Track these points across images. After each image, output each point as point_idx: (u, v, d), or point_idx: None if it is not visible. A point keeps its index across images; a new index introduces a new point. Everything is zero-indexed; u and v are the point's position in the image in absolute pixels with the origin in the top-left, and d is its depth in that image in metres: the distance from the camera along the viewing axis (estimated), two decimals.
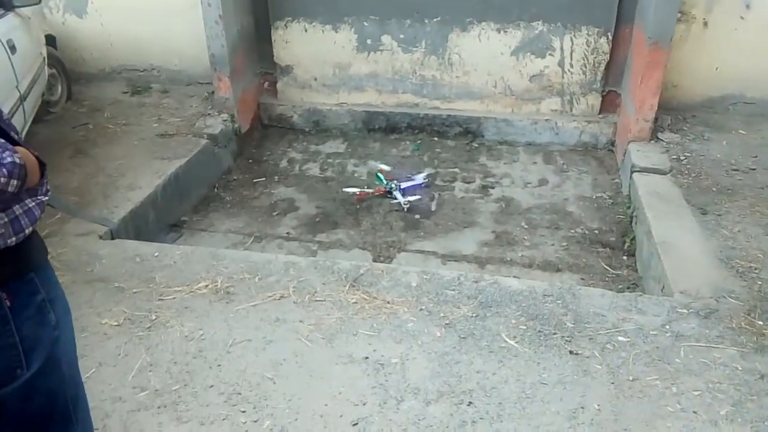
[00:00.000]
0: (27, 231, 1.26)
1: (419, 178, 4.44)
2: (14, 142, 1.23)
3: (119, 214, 3.56)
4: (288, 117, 5.35)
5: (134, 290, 2.86)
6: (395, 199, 4.21)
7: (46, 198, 1.32)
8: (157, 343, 2.55)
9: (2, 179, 1.12)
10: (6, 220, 1.21)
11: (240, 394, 2.30)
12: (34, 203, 1.28)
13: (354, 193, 4.31)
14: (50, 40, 5.00)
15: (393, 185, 4.28)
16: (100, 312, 2.70)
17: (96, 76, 5.69)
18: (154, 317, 2.68)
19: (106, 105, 5.14)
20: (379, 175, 4.45)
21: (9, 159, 1.14)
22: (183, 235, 3.98)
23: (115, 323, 2.64)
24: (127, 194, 3.76)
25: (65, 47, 5.49)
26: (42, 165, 1.29)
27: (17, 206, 1.23)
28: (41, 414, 1.40)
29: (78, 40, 5.61)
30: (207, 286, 2.88)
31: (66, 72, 5.21)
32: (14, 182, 1.14)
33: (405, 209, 4.11)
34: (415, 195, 4.24)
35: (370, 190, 4.31)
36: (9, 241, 1.22)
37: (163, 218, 3.95)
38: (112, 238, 3.40)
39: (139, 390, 2.32)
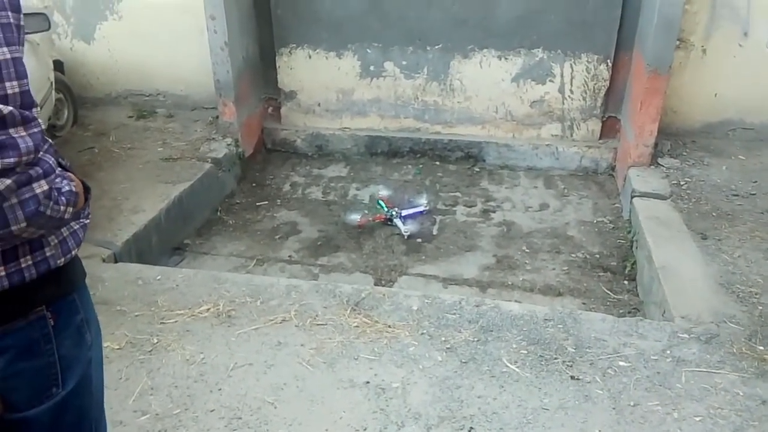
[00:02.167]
0: (74, 252, 1.31)
1: (420, 205, 4.44)
2: (64, 168, 1.28)
3: (123, 237, 3.59)
4: (291, 141, 5.40)
5: (136, 313, 2.87)
6: (396, 226, 4.20)
7: (88, 221, 1.37)
8: (158, 366, 2.55)
9: (62, 207, 1.16)
10: (56, 241, 1.26)
11: (240, 418, 2.30)
12: (78, 225, 1.33)
13: (356, 221, 4.30)
14: (58, 66, 5.07)
15: (394, 212, 4.26)
16: (102, 335, 2.70)
17: (102, 101, 5.77)
18: (155, 341, 2.69)
19: (111, 129, 5.20)
20: (380, 201, 4.44)
21: (67, 188, 1.19)
22: (186, 259, 4.00)
23: (117, 347, 2.65)
24: (130, 217, 3.79)
25: (73, 72, 5.57)
26: (87, 189, 1.34)
27: (64, 229, 1.28)
28: None
29: (85, 66, 5.70)
30: (209, 309, 2.90)
31: (73, 97, 5.28)
32: (70, 210, 1.20)
33: (406, 237, 4.11)
34: (415, 222, 4.24)
35: (371, 218, 4.30)
36: (59, 261, 1.26)
37: (167, 241, 3.98)
38: (115, 261, 3.42)
39: (140, 414, 2.32)
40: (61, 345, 1.32)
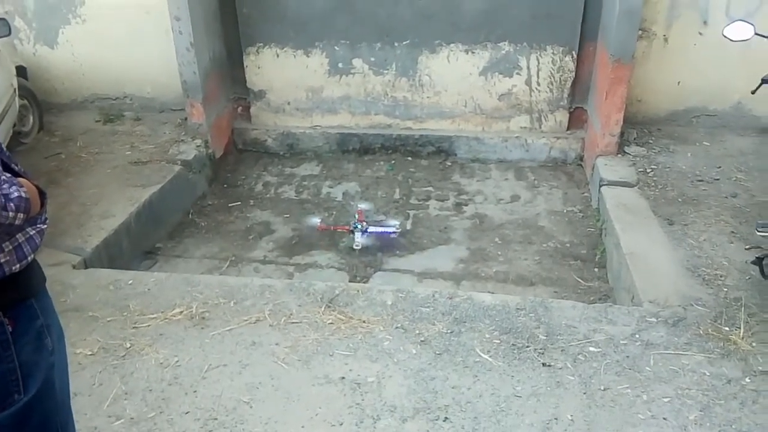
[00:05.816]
0: (29, 258, 1.30)
1: (391, 227, 4.11)
2: (16, 174, 1.27)
3: (93, 242, 3.55)
4: (262, 141, 5.38)
5: (108, 319, 2.85)
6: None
7: (45, 226, 1.36)
8: (131, 371, 2.54)
9: (11, 213, 1.17)
10: (11, 247, 1.25)
11: (216, 419, 2.29)
12: (34, 231, 1.32)
13: (316, 224, 4.19)
14: (21, 71, 4.99)
15: (360, 225, 4.02)
16: (74, 342, 2.68)
17: (68, 106, 5.67)
18: (128, 345, 2.67)
19: (78, 134, 5.12)
20: (356, 215, 4.20)
21: (16, 194, 1.19)
22: (158, 262, 3.97)
23: (90, 353, 2.63)
24: (100, 223, 3.75)
25: (36, 78, 5.47)
26: (42, 194, 1.33)
27: (19, 234, 1.28)
28: None
29: (49, 71, 5.60)
30: (182, 312, 2.88)
31: (38, 102, 5.19)
32: (21, 215, 1.20)
33: (356, 249, 3.93)
34: (378, 240, 4.06)
35: (333, 226, 4.16)
36: (14, 267, 1.26)
37: (138, 246, 3.94)
38: (86, 267, 3.38)
39: (115, 419, 2.31)
40: (21, 351, 1.31)
